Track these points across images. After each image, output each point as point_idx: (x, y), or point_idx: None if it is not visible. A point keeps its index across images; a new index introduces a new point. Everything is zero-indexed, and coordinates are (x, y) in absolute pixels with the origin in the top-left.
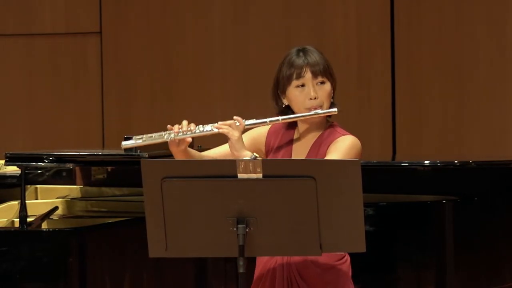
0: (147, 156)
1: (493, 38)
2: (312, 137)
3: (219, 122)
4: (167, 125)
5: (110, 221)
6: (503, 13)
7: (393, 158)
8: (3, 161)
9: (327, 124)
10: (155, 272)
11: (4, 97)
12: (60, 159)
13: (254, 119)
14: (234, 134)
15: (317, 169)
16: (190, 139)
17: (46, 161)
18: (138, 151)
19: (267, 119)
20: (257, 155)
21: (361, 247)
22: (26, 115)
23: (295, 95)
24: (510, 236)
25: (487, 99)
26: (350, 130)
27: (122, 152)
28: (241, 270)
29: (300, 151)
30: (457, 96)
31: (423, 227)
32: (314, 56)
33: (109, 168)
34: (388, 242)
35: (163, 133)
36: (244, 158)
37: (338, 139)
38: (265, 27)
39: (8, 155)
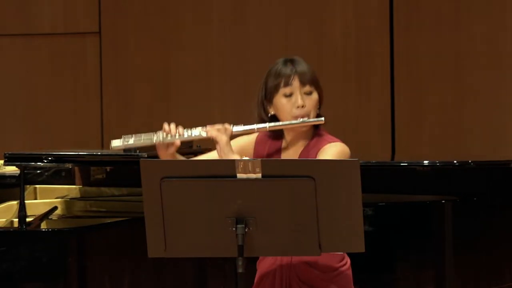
0: (146, 156)
1: (492, 38)
2: (300, 146)
3: (208, 126)
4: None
5: (109, 221)
6: (502, 13)
7: (392, 158)
8: (2, 161)
9: (314, 133)
10: (154, 272)
11: (3, 97)
12: (59, 159)
13: (242, 125)
14: (222, 138)
15: (316, 169)
16: (178, 143)
17: (45, 161)
18: (138, 151)
19: (255, 126)
20: (246, 157)
21: (360, 247)
22: (25, 115)
23: (282, 103)
24: (510, 236)
25: (486, 99)
26: (349, 131)
27: (121, 152)
28: (240, 270)
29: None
30: (456, 96)
31: (423, 227)
32: (301, 66)
33: (108, 168)
34: (388, 242)
35: (152, 134)
36: None
37: (326, 146)
38: (264, 29)
39: (7, 155)
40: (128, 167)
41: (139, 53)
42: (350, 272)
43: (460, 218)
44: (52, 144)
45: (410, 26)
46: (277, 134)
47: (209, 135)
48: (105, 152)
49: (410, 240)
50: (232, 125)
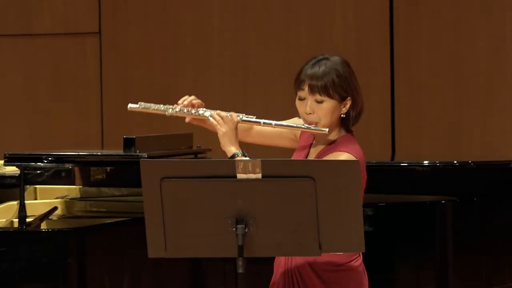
0: (146, 156)
1: (492, 39)
2: (324, 143)
3: (217, 111)
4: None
5: (109, 222)
6: (502, 13)
7: (392, 158)
8: (2, 161)
9: (341, 134)
10: (154, 272)
11: (3, 97)
12: (59, 159)
13: (254, 117)
14: (221, 129)
15: (316, 169)
16: (187, 120)
17: (45, 161)
18: (138, 151)
19: (261, 120)
20: (244, 153)
21: (361, 248)
22: (25, 115)
23: (297, 104)
24: (510, 236)
25: (486, 99)
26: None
27: (121, 153)
28: (240, 271)
29: (313, 154)
30: (456, 97)
31: (423, 227)
32: (318, 72)
33: (108, 169)
34: (388, 243)
35: (167, 106)
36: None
37: (333, 153)
38: (265, 29)
39: (7, 155)
40: (128, 167)
41: (138, 53)
42: (362, 268)
43: (460, 218)
44: (52, 144)
45: (410, 26)
46: None
47: (210, 120)
48: (105, 152)
49: (410, 240)
50: (242, 115)
